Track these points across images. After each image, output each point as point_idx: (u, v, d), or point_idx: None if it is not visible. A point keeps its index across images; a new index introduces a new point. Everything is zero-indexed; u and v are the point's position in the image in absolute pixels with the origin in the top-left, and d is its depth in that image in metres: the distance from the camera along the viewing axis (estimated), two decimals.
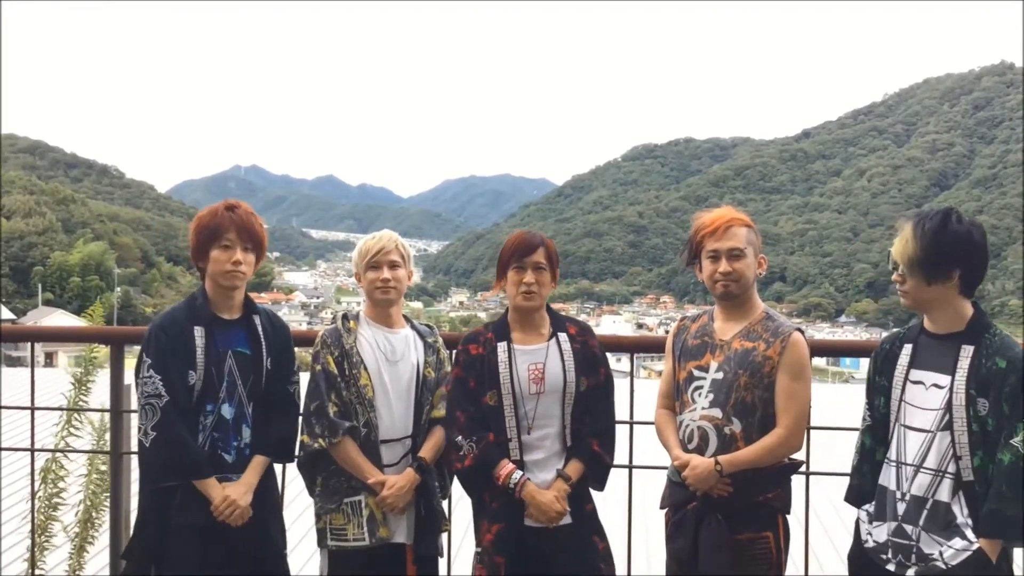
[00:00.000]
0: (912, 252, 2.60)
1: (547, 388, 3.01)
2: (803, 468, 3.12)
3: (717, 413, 2.87)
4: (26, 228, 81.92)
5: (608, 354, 3.29)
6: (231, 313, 3.09)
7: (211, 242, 3.01)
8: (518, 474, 2.96)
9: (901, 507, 2.66)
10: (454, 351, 3.23)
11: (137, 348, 3.38)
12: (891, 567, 2.65)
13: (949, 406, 2.60)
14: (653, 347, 3.67)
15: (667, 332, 3.23)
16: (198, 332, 3.00)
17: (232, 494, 2.95)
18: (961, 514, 2.58)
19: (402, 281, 3.19)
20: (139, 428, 2.99)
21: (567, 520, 2.98)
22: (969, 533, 2.55)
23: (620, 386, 3.22)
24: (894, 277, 2.68)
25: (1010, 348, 2.60)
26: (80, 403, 3.90)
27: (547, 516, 2.94)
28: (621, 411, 3.65)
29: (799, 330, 2.95)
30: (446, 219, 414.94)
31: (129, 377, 3.37)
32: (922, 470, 2.63)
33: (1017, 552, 2.71)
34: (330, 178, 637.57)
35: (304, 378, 3.23)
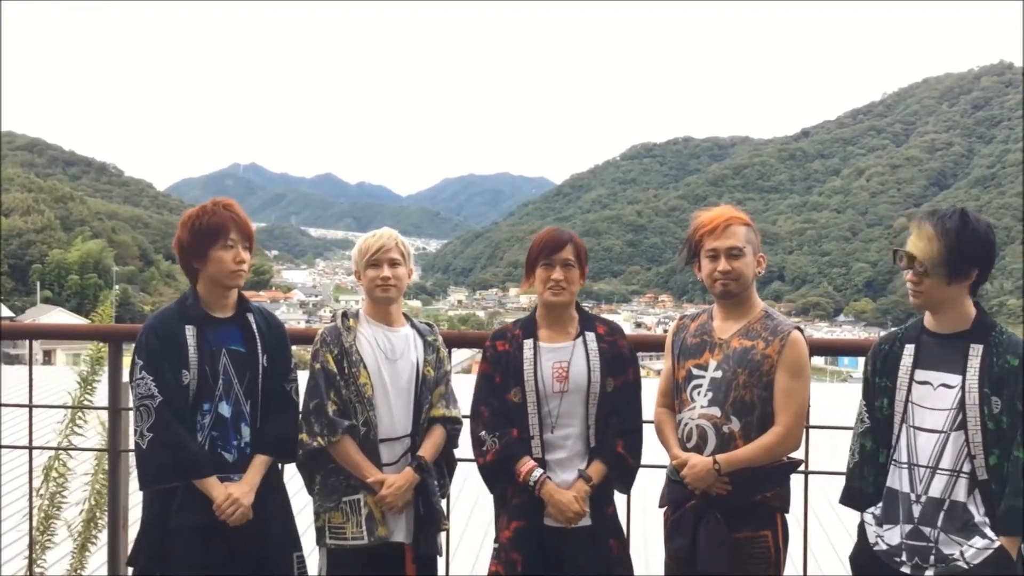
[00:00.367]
0: (938, 251, 2.58)
1: (571, 387, 3.00)
2: (802, 467, 3.12)
3: (716, 412, 2.87)
4: (24, 226, 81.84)
5: None
6: (224, 311, 3.07)
7: (212, 242, 2.98)
8: (538, 472, 2.95)
9: (917, 509, 2.63)
10: (461, 347, 3.23)
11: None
12: (906, 569, 2.62)
13: (962, 405, 2.59)
14: (652, 346, 3.67)
15: (666, 331, 3.22)
16: (189, 331, 2.98)
17: (235, 493, 2.92)
18: (978, 513, 2.57)
19: (402, 279, 3.18)
20: (135, 431, 2.97)
21: (586, 522, 2.97)
22: (988, 531, 2.55)
23: None
24: (909, 277, 2.64)
25: (1019, 346, 2.61)
26: (85, 402, 3.90)
27: (565, 516, 2.93)
28: None
29: (798, 329, 2.96)
30: (445, 218, 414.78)
31: (127, 376, 3.36)
32: (938, 471, 2.61)
33: None
34: (329, 176, 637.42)
35: (303, 376, 3.21)
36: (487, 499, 3.20)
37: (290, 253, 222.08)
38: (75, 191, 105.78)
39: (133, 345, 3.04)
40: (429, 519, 3.12)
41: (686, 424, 2.95)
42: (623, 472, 3.03)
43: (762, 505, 2.88)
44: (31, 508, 3.80)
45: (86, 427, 3.91)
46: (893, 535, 2.67)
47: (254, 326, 3.08)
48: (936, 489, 2.61)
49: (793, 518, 3.03)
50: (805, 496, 3.39)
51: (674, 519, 2.95)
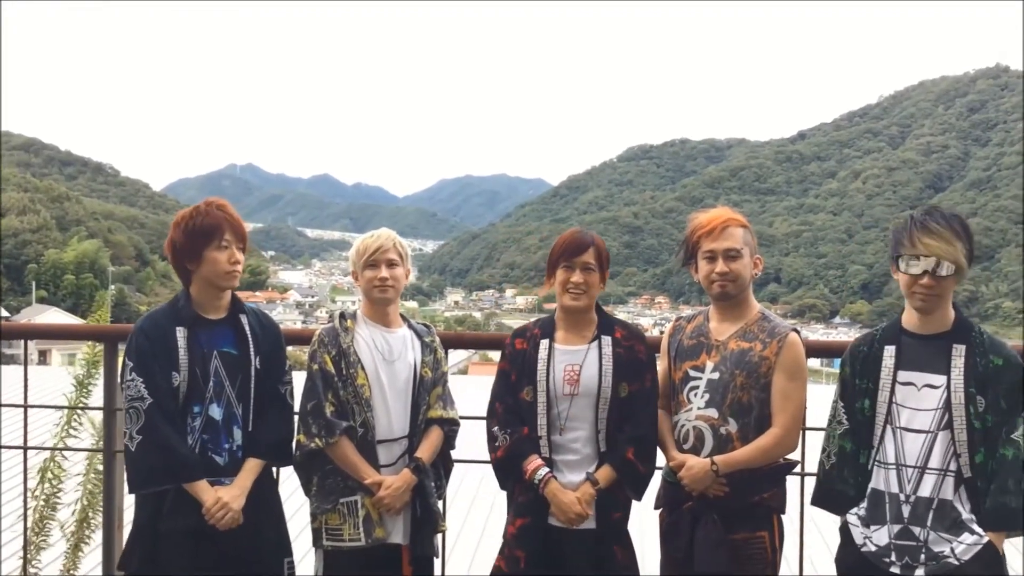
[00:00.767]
0: (962, 252, 2.60)
1: (581, 390, 2.98)
2: (797, 468, 3.12)
3: (713, 413, 2.87)
4: (20, 226, 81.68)
5: None
6: (217, 313, 3.04)
7: (207, 243, 2.95)
8: (544, 470, 2.94)
9: (906, 509, 2.64)
10: (458, 348, 3.22)
11: None
12: (895, 570, 2.64)
13: (948, 405, 2.61)
14: (651, 346, 3.66)
15: (662, 332, 3.22)
16: (180, 333, 2.95)
17: (224, 497, 2.89)
18: (964, 510, 2.60)
19: (400, 280, 3.16)
20: (124, 432, 2.95)
21: (590, 525, 2.94)
22: (976, 528, 2.58)
23: None
24: (926, 281, 2.60)
25: (1002, 346, 2.66)
26: (82, 403, 3.89)
27: (566, 517, 2.91)
28: None
29: (795, 330, 2.95)
30: (442, 219, 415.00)
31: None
32: (927, 471, 2.63)
33: (1009, 549, 2.71)
34: (325, 177, 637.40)
35: (299, 377, 3.20)
36: (483, 500, 3.20)
37: (286, 254, 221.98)
38: (71, 191, 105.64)
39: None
40: (426, 520, 3.11)
41: (683, 426, 2.94)
42: (633, 478, 2.98)
43: (759, 506, 2.88)
44: (26, 509, 3.79)
45: (80, 428, 3.89)
46: (881, 536, 2.68)
47: (247, 328, 3.05)
48: (925, 489, 2.63)
49: (788, 519, 3.02)
50: (801, 497, 3.39)
51: (671, 520, 2.95)
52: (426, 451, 3.12)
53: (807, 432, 3.20)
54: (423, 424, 3.15)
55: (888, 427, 2.70)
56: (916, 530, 2.62)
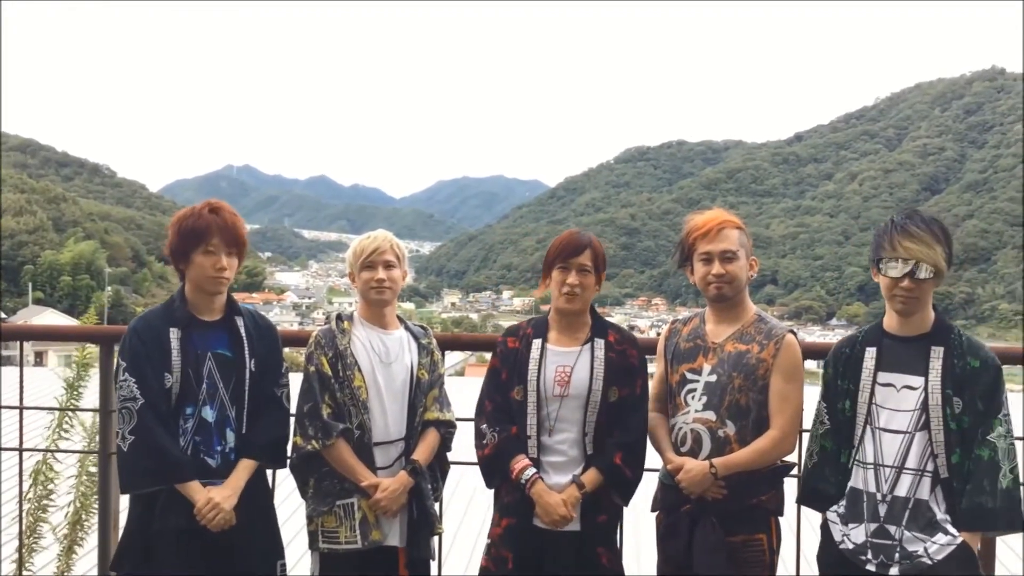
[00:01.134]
0: (941, 256, 2.65)
1: (571, 392, 2.97)
2: (794, 471, 3.12)
3: (711, 416, 2.86)
4: (17, 227, 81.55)
5: None
6: (212, 315, 3.03)
7: (194, 246, 2.94)
8: (531, 471, 2.93)
9: (883, 508, 2.69)
10: (455, 350, 3.21)
11: None
12: (871, 567, 2.69)
13: (925, 406, 2.66)
14: (646, 349, 3.65)
15: (659, 334, 3.21)
16: (173, 334, 2.94)
17: (216, 497, 2.88)
18: (939, 510, 2.65)
19: (397, 281, 3.15)
20: (117, 433, 2.94)
21: (575, 527, 2.94)
22: (950, 528, 2.62)
23: None
24: (907, 284, 2.65)
25: (980, 348, 2.70)
26: (72, 406, 3.87)
27: (551, 518, 2.91)
28: None
29: (792, 332, 2.95)
30: (439, 220, 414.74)
31: None
32: (904, 471, 2.68)
33: (1008, 552, 2.72)
34: (322, 178, 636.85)
35: (295, 379, 3.19)
36: (480, 502, 3.20)
37: (283, 255, 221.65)
38: (68, 192, 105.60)
39: None
40: (423, 523, 3.10)
41: (680, 428, 2.94)
42: (621, 483, 2.98)
43: (757, 508, 2.88)
44: (21, 511, 3.78)
45: (71, 430, 3.88)
46: (858, 534, 2.73)
47: (242, 330, 3.04)
48: (902, 488, 2.68)
49: (784, 521, 3.02)
50: (798, 499, 3.39)
51: (668, 523, 2.94)
52: (423, 453, 3.12)
53: (804, 434, 3.21)
54: (419, 426, 3.15)
55: (868, 427, 2.75)
56: (892, 529, 2.67)
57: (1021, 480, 2.67)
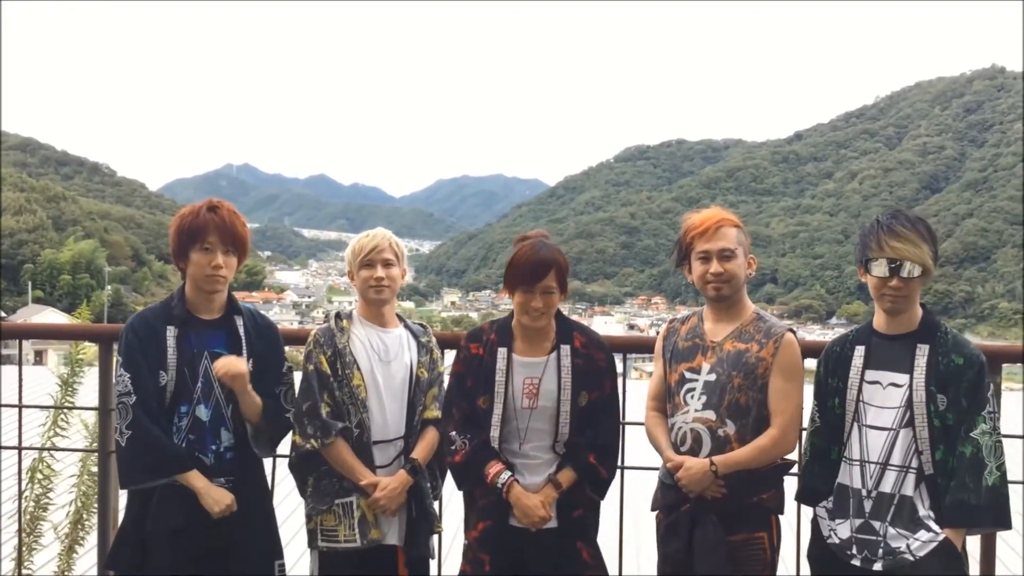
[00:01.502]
0: (928, 254, 2.67)
1: (540, 404, 2.96)
2: (794, 469, 3.12)
3: (711, 415, 2.86)
4: (16, 226, 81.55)
5: None
6: (211, 313, 3.03)
7: (191, 244, 2.94)
8: (506, 474, 2.92)
9: (868, 504, 2.73)
10: (455, 348, 3.19)
11: None
12: (856, 562, 2.73)
13: (910, 403, 2.69)
14: (645, 348, 3.65)
15: (659, 333, 3.20)
16: (170, 332, 2.94)
17: (214, 494, 2.90)
18: (923, 507, 2.68)
19: (396, 280, 3.14)
20: (115, 428, 2.95)
21: (552, 524, 2.94)
22: (933, 525, 2.65)
23: None
24: (895, 283, 2.67)
25: (965, 346, 2.73)
26: (67, 403, 3.87)
27: (530, 520, 2.91)
28: None
29: (791, 330, 2.94)
30: (438, 219, 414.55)
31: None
32: (889, 467, 2.71)
33: (1007, 550, 2.72)
34: (322, 177, 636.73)
35: (298, 377, 3.18)
36: None
37: (283, 254, 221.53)
38: (67, 191, 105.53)
39: None
40: (422, 522, 3.10)
41: (680, 428, 2.93)
42: (595, 481, 2.98)
43: (758, 507, 2.88)
44: (20, 510, 3.78)
45: (69, 428, 3.88)
46: (844, 529, 2.77)
47: (240, 329, 3.03)
48: (887, 484, 2.71)
49: (784, 519, 3.02)
50: (796, 496, 3.39)
51: (669, 522, 2.93)
52: (422, 452, 3.12)
53: (805, 432, 3.20)
54: (419, 425, 3.14)
55: (855, 424, 2.79)
56: (876, 525, 2.71)
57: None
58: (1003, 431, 2.93)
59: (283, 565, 3.12)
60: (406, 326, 3.24)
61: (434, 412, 3.16)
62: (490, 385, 2.96)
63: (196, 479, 2.90)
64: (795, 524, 3.41)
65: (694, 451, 2.88)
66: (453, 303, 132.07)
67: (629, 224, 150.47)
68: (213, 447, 2.97)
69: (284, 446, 3.21)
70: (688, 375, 2.93)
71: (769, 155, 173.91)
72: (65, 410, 3.88)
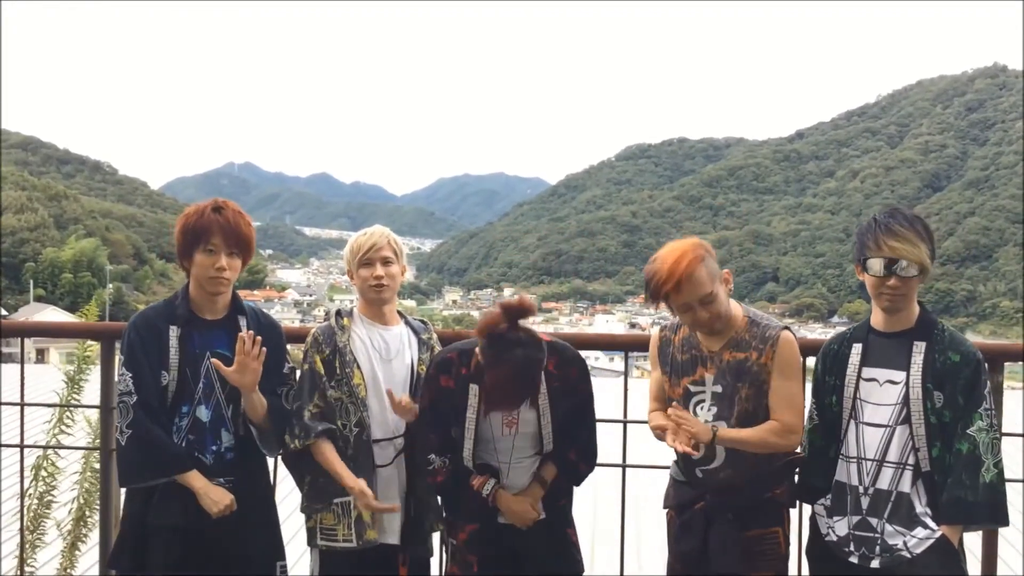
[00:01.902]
0: (926, 253, 2.66)
1: (520, 430, 2.93)
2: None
3: (723, 426, 2.82)
4: (18, 224, 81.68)
5: (602, 352, 3.22)
6: (214, 314, 3.01)
7: (195, 245, 2.91)
8: (491, 484, 2.91)
9: (865, 501, 2.73)
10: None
11: None
12: (854, 559, 2.73)
13: (906, 400, 2.69)
14: (647, 346, 3.65)
15: (652, 337, 3.13)
16: (172, 332, 2.92)
17: (213, 494, 2.89)
18: (920, 504, 2.68)
19: (395, 278, 3.11)
20: (116, 427, 2.95)
21: (540, 515, 2.94)
22: (929, 522, 2.65)
23: (613, 386, 3.19)
24: (893, 283, 2.66)
25: (962, 343, 2.73)
26: (72, 400, 3.88)
27: (522, 521, 2.91)
28: (615, 411, 3.64)
29: (786, 328, 2.89)
30: (440, 218, 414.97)
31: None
32: (885, 464, 2.72)
33: (1008, 548, 2.72)
34: (324, 176, 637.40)
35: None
36: None
37: (285, 252, 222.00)
38: (69, 189, 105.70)
39: None
40: (421, 521, 3.10)
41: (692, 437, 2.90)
42: (575, 475, 3.00)
43: (771, 502, 2.88)
44: (22, 508, 3.79)
45: (74, 426, 3.89)
46: (841, 526, 2.78)
47: (243, 330, 3.00)
48: (883, 481, 2.71)
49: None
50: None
51: (683, 521, 2.92)
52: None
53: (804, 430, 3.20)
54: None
55: (852, 422, 2.79)
56: (873, 522, 2.72)
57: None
58: (1004, 430, 2.94)
59: (285, 567, 3.11)
60: (407, 323, 3.22)
61: None
62: (461, 421, 2.92)
63: (195, 479, 2.88)
64: (796, 523, 3.41)
65: (708, 459, 2.85)
66: (454, 301, 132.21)
67: (631, 223, 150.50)
68: (213, 447, 2.96)
69: None
70: (693, 388, 2.89)
71: (771, 153, 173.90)
72: (69, 408, 3.89)
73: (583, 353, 3.13)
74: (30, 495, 3.83)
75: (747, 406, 2.82)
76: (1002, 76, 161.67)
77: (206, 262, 2.91)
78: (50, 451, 3.85)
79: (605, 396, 3.08)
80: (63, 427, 3.84)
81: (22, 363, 3.90)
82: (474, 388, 2.88)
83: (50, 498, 3.86)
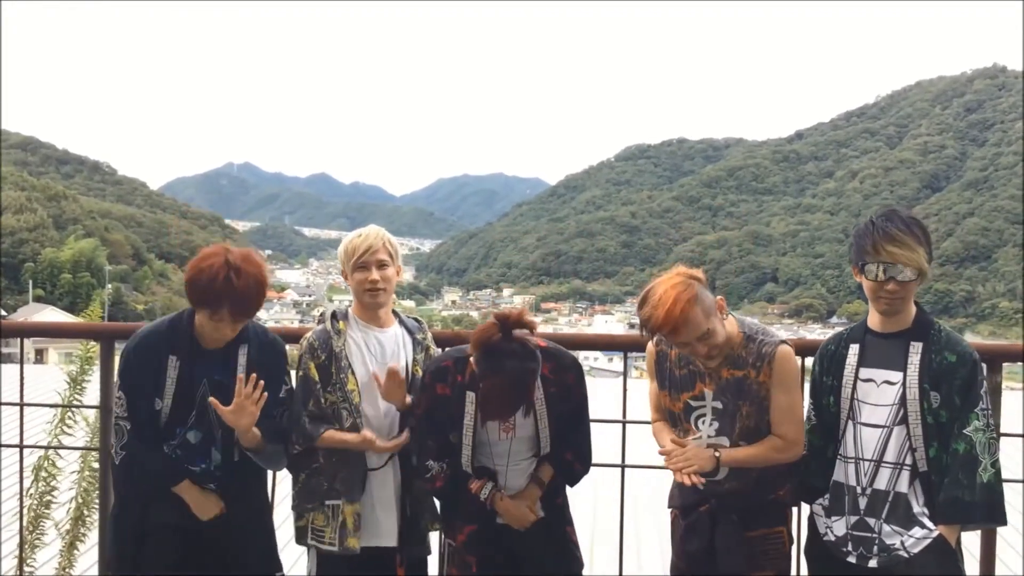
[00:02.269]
0: (924, 257, 2.67)
1: (517, 434, 2.94)
2: None
3: (724, 442, 2.83)
4: (17, 224, 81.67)
5: (601, 353, 3.22)
6: (217, 344, 2.96)
7: (201, 307, 2.84)
8: (488, 488, 2.92)
9: (863, 501, 2.75)
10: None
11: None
12: (852, 559, 2.75)
13: (903, 401, 2.70)
14: (645, 347, 3.65)
15: (648, 347, 3.08)
16: (172, 362, 2.89)
17: (201, 504, 2.92)
18: (917, 504, 2.69)
19: (391, 280, 3.08)
20: (112, 445, 2.98)
21: (539, 514, 2.95)
22: (927, 522, 2.67)
23: (612, 386, 3.19)
24: (891, 287, 2.66)
25: (958, 343, 2.73)
26: (75, 401, 3.88)
27: (522, 524, 2.92)
28: (614, 411, 3.65)
29: (783, 341, 2.87)
30: (439, 218, 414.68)
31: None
32: (883, 464, 2.73)
33: (1007, 549, 2.73)
34: (323, 176, 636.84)
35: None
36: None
37: (284, 253, 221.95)
38: (68, 190, 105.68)
39: (124, 344, 3.02)
40: (417, 520, 3.10)
41: None
42: (571, 476, 3.01)
43: (775, 503, 2.89)
44: (22, 507, 3.79)
45: (74, 426, 3.89)
46: (839, 526, 2.79)
47: (242, 358, 2.96)
48: (881, 481, 2.73)
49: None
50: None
51: (689, 523, 2.92)
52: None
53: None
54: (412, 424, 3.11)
55: (850, 422, 2.80)
56: (871, 522, 2.73)
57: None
58: (1004, 430, 2.94)
59: None
60: (401, 322, 3.20)
61: None
62: (459, 427, 2.91)
63: (185, 490, 2.91)
64: (796, 522, 3.41)
65: (712, 474, 2.83)
66: (454, 302, 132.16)
67: (630, 223, 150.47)
68: (202, 464, 2.97)
69: None
70: (693, 403, 2.88)
71: (770, 154, 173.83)
72: (67, 408, 3.89)
73: (582, 353, 3.13)
74: (30, 495, 3.83)
75: (749, 423, 2.82)
76: (1001, 77, 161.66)
77: (209, 324, 2.86)
78: (50, 451, 3.86)
79: (604, 396, 3.08)
80: (64, 427, 3.84)
81: (21, 363, 3.90)
82: (471, 395, 2.88)
83: (50, 498, 3.87)
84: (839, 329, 3.08)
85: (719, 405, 2.84)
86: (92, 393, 3.85)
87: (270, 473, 3.24)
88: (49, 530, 3.89)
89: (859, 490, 2.76)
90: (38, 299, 68.36)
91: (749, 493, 2.84)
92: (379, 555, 3.06)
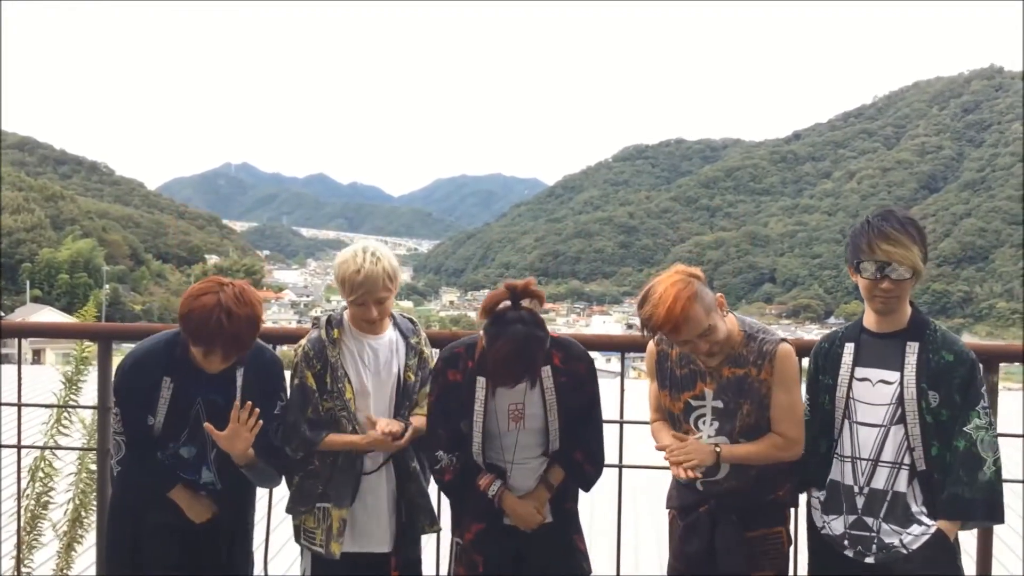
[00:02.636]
0: (919, 256, 2.67)
1: (526, 425, 2.92)
2: None
3: (725, 441, 2.82)
4: (14, 224, 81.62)
5: (599, 353, 3.20)
6: (212, 367, 2.92)
7: (194, 342, 2.81)
8: (497, 485, 2.90)
9: (860, 501, 2.76)
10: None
11: (125, 345, 3.35)
12: (849, 553, 2.77)
13: (900, 400, 2.70)
14: (643, 347, 3.64)
15: (648, 346, 3.07)
16: (166, 384, 2.89)
17: (194, 509, 2.95)
18: (915, 503, 2.70)
19: (389, 307, 3.07)
20: (110, 456, 3.02)
21: (547, 518, 2.94)
22: (925, 519, 2.68)
23: (611, 385, 3.19)
24: (887, 286, 2.67)
25: (954, 342, 2.74)
26: (70, 401, 3.88)
27: (527, 525, 2.91)
28: (611, 411, 3.64)
29: (783, 340, 2.87)
30: (437, 218, 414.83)
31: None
32: (880, 464, 2.73)
33: (1005, 551, 2.73)
34: (321, 176, 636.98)
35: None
36: None
37: (281, 253, 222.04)
38: (66, 190, 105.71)
39: (123, 344, 3.03)
40: (412, 523, 3.09)
41: None
42: (582, 478, 2.97)
43: (774, 503, 2.89)
44: (19, 508, 3.79)
45: (70, 427, 3.89)
46: (837, 525, 2.81)
47: (239, 380, 2.95)
48: (879, 481, 2.74)
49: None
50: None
51: (688, 523, 2.92)
52: (416, 420, 3.05)
53: None
54: (406, 426, 3.05)
55: (846, 421, 2.80)
56: (869, 521, 2.74)
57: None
58: (1002, 430, 2.94)
59: None
60: (395, 324, 3.17)
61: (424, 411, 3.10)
62: (469, 413, 2.90)
63: (179, 495, 2.93)
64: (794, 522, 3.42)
65: (712, 473, 2.84)
66: (451, 302, 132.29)
67: (627, 223, 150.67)
68: (192, 478, 2.98)
69: None
70: (694, 403, 2.88)
71: (767, 155, 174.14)
72: (65, 408, 3.88)
73: None
74: (27, 496, 3.83)
75: (749, 420, 2.82)
76: (998, 78, 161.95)
77: (201, 358, 2.86)
78: (47, 452, 3.85)
79: (602, 397, 3.06)
80: (61, 428, 3.84)
81: (19, 364, 3.89)
82: (481, 380, 2.88)
83: (47, 499, 3.86)
84: (834, 328, 3.08)
85: (719, 405, 2.84)
86: (89, 393, 3.84)
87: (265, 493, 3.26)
88: (47, 531, 3.89)
89: (856, 489, 2.76)
90: (35, 299, 68.35)
91: (748, 493, 2.84)
92: (373, 559, 3.06)
